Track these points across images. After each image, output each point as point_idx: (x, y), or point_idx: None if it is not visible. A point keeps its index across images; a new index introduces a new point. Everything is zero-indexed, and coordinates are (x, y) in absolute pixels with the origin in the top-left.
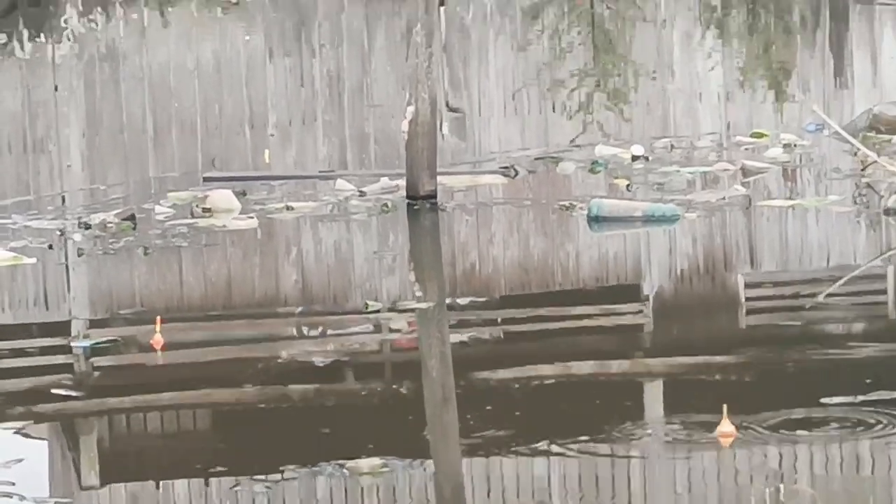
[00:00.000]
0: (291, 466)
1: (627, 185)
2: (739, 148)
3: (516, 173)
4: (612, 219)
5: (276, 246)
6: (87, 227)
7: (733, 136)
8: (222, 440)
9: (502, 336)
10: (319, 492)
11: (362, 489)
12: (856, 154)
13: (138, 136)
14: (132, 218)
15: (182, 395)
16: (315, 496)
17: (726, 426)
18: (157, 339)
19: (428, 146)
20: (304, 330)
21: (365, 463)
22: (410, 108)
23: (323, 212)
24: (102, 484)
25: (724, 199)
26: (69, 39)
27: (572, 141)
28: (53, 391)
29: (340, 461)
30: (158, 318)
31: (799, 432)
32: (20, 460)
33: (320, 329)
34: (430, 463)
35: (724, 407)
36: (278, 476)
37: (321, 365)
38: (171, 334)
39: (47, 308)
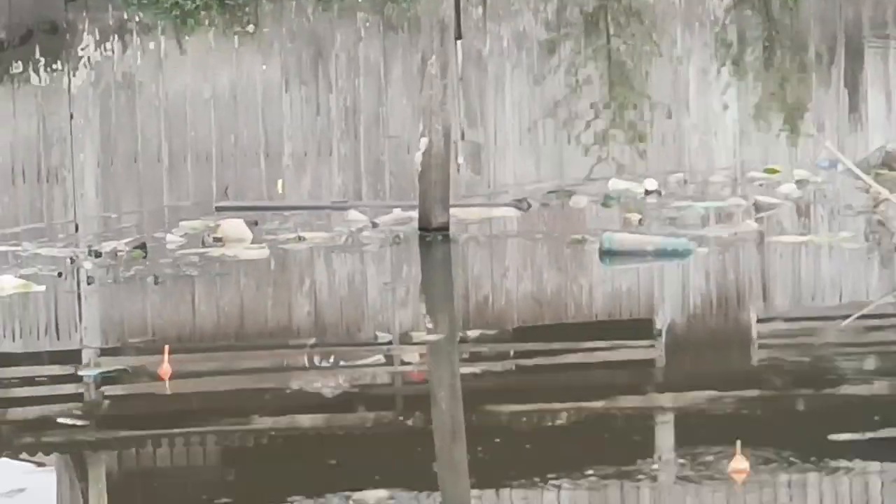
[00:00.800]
0: (298, 497)
1: (640, 220)
2: (752, 183)
3: (529, 206)
4: (624, 253)
5: (287, 276)
6: (98, 255)
7: (747, 172)
8: (230, 471)
9: (514, 369)
10: None
11: None
12: (868, 191)
13: (153, 164)
14: (143, 247)
15: (191, 426)
16: None
17: (740, 463)
18: (165, 369)
19: (441, 178)
20: (315, 361)
21: (371, 495)
22: (424, 140)
23: (335, 242)
24: None
25: (736, 234)
26: (86, 67)
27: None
28: (61, 420)
29: (347, 493)
30: (167, 347)
31: (808, 470)
32: (22, 490)
33: (331, 360)
34: (437, 496)
35: (738, 443)
36: None
37: (331, 396)
38: (182, 364)
39: (58, 336)
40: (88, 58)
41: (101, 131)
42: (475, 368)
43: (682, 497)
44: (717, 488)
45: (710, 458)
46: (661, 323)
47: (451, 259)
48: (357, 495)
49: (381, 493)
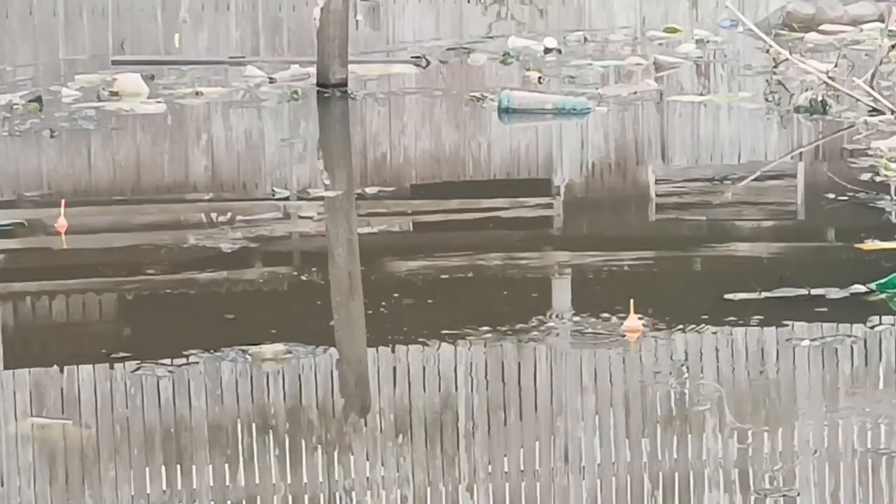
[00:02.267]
0: (195, 351)
1: (539, 78)
2: (652, 42)
3: (428, 63)
4: (522, 111)
5: (184, 131)
6: None
7: (647, 31)
8: (127, 325)
9: (411, 226)
10: (222, 376)
11: (266, 375)
12: (768, 51)
13: (48, 18)
14: (39, 100)
15: (87, 279)
16: (218, 381)
17: (633, 322)
18: (62, 223)
19: (339, 34)
20: (212, 216)
21: (268, 349)
22: None
23: (232, 98)
24: (6, 367)
25: (635, 93)
26: None
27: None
28: None
29: (244, 347)
30: (63, 201)
31: (703, 329)
32: None
33: (228, 216)
34: (334, 351)
35: (631, 302)
36: (182, 360)
37: (228, 251)
38: (78, 218)
39: None
40: None
41: None
42: (372, 225)
43: (575, 355)
44: (611, 346)
45: (606, 316)
46: (559, 181)
47: (349, 116)
48: (254, 349)
49: (278, 346)
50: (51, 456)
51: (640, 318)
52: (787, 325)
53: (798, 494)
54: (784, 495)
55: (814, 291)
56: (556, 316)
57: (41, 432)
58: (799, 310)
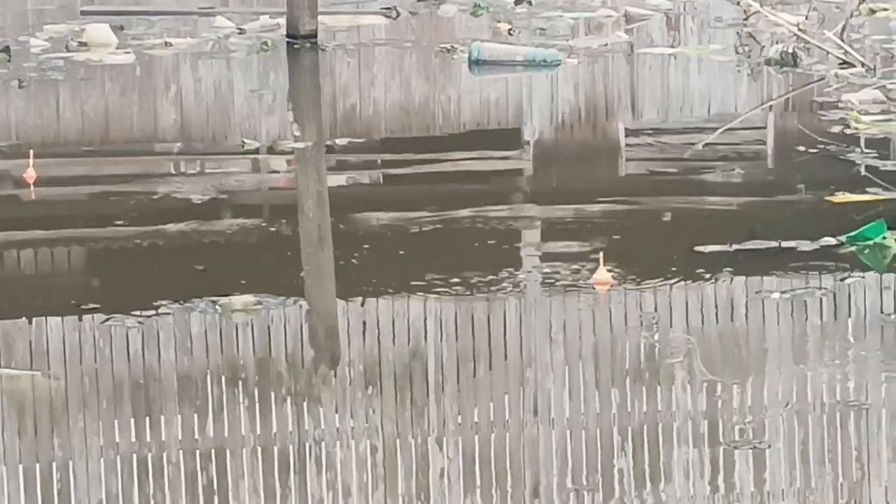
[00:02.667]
0: (164, 302)
1: (509, 30)
2: None
3: (398, 14)
4: (493, 63)
5: (153, 82)
6: None
7: None
8: (96, 277)
9: (381, 179)
10: (192, 328)
11: (235, 326)
12: (738, 3)
13: None
14: (7, 50)
15: (56, 230)
16: (188, 332)
17: (602, 274)
18: (30, 174)
19: None
20: (182, 168)
21: (238, 300)
22: None
23: (201, 49)
24: None
25: (606, 45)
26: None
27: None
28: None
29: (214, 298)
30: (31, 151)
31: (675, 280)
32: None
33: (198, 167)
34: (304, 302)
35: (601, 255)
36: (151, 312)
37: (197, 203)
38: (46, 169)
39: None
40: None
41: None
42: (342, 177)
43: (545, 307)
44: (581, 299)
45: (575, 268)
46: (529, 133)
47: (318, 67)
48: (224, 300)
49: (248, 297)
50: (19, 407)
51: (609, 271)
52: (757, 278)
53: (768, 447)
54: (754, 447)
55: (784, 244)
56: (526, 268)
57: (10, 383)
58: (769, 262)
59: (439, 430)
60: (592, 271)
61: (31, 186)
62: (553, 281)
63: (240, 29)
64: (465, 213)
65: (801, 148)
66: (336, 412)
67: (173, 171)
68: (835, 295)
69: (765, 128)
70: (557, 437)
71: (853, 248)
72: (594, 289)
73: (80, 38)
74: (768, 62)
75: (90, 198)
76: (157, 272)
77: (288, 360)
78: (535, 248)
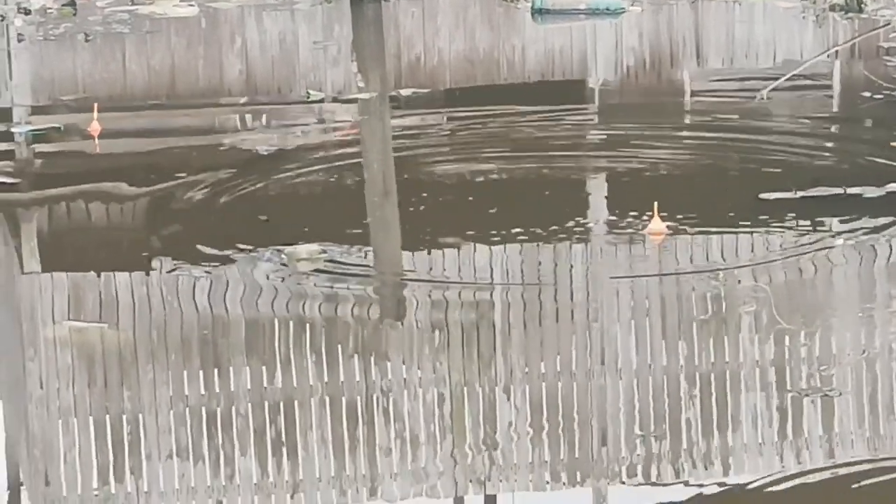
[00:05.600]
0: (230, 252)
1: None
2: None
3: None
4: (556, 12)
5: (218, 35)
6: (28, 12)
7: None
8: (161, 228)
9: (446, 128)
10: (258, 277)
11: (302, 275)
12: None
13: None
14: (73, 3)
15: (122, 183)
16: (254, 282)
17: (657, 224)
18: (95, 127)
19: None
20: (247, 120)
21: (303, 248)
22: None
23: (266, 1)
24: (43, 271)
25: None
26: None
27: None
28: None
29: (279, 247)
30: (96, 104)
31: (738, 229)
32: None
33: (263, 119)
34: (369, 251)
35: (655, 205)
36: (217, 262)
37: (263, 154)
38: (112, 122)
39: None
40: None
41: None
42: (406, 127)
43: (611, 256)
44: (645, 248)
45: (638, 217)
46: (593, 83)
47: (382, 18)
48: (289, 249)
49: (313, 246)
50: (89, 359)
51: (665, 221)
52: (822, 224)
53: (839, 395)
54: (824, 395)
55: (850, 190)
56: (591, 217)
57: (78, 336)
58: (835, 209)
59: (506, 379)
60: (648, 222)
61: (96, 139)
62: (618, 229)
63: None
64: (529, 162)
65: (867, 94)
66: (403, 362)
67: (238, 123)
68: None
69: (830, 74)
70: (625, 387)
71: None
72: (651, 238)
73: None
74: (833, 8)
75: (155, 150)
76: (222, 223)
77: (354, 309)
78: (600, 198)
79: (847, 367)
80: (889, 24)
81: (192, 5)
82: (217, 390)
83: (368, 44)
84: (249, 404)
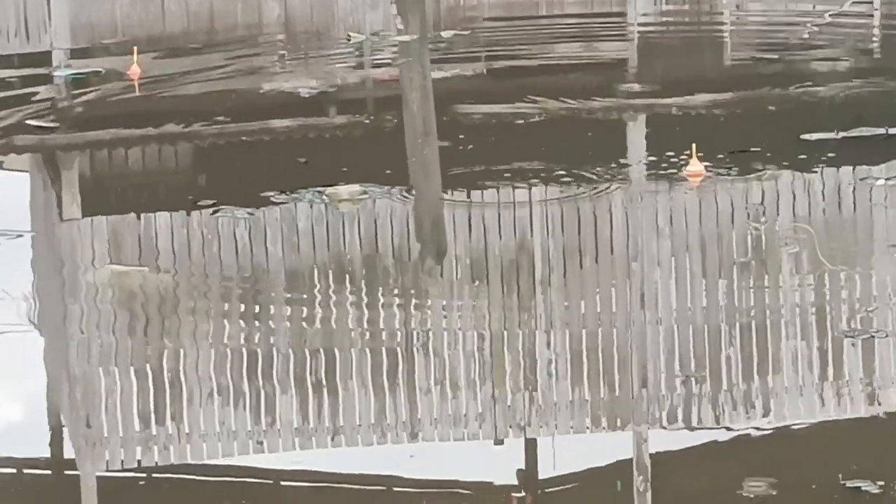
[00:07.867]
0: (272, 193)
1: None
2: None
3: None
4: None
5: None
6: None
7: None
8: (203, 171)
9: (485, 71)
10: (300, 217)
11: (342, 216)
12: None
13: None
14: None
15: (163, 127)
16: (295, 221)
17: (695, 165)
18: (135, 70)
19: None
20: (287, 63)
21: (344, 189)
22: None
23: None
24: (84, 215)
25: None
26: None
27: None
28: (33, 122)
29: (320, 188)
30: (135, 48)
31: (779, 168)
32: None
33: (302, 62)
34: (410, 192)
35: (693, 147)
36: (258, 203)
37: (303, 97)
38: (152, 66)
39: (28, 39)
40: None
41: None
42: (446, 69)
43: (650, 200)
44: (685, 190)
45: (676, 160)
46: (632, 18)
47: None
48: (330, 190)
49: (354, 187)
50: (129, 302)
51: (704, 162)
52: (863, 165)
53: (885, 336)
54: (871, 336)
55: (892, 130)
56: (631, 160)
57: (120, 279)
58: (876, 149)
59: (546, 323)
60: (686, 163)
61: (136, 83)
62: (656, 172)
63: None
64: (569, 104)
65: None
66: (443, 308)
67: (278, 67)
68: None
69: (871, 14)
70: (665, 330)
71: None
72: (690, 180)
73: None
74: None
75: (195, 94)
76: (263, 166)
77: (394, 252)
78: (639, 139)
79: (887, 307)
80: None
81: None
82: (257, 335)
83: None
84: (289, 347)
